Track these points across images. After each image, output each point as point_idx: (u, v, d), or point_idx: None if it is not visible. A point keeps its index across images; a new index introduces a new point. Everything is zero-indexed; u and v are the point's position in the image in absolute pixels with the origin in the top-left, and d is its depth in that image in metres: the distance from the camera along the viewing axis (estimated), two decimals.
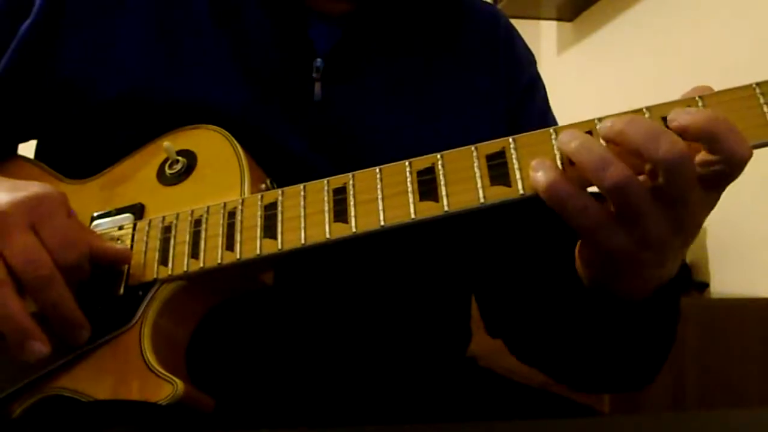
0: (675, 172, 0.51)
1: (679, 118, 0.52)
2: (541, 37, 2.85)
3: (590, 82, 2.53)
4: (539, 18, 2.73)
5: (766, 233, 1.70)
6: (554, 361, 0.77)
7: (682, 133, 0.52)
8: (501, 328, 0.82)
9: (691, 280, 1.85)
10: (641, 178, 0.53)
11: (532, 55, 0.90)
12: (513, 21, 0.92)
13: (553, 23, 2.77)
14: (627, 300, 0.62)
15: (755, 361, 1.60)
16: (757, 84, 0.53)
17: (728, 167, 0.52)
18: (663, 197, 0.53)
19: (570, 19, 2.67)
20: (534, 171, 0.54)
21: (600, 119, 0.56)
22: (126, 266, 0.65)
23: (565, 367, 0.76)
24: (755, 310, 1.65)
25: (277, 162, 0.70)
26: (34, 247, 0.58)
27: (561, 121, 0.83)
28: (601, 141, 0.54)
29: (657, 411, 1.52)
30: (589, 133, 0.56)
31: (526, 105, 0.85)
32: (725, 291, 1.82)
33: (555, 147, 0.56)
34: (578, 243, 0.62)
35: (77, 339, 0.61)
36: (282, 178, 0.67)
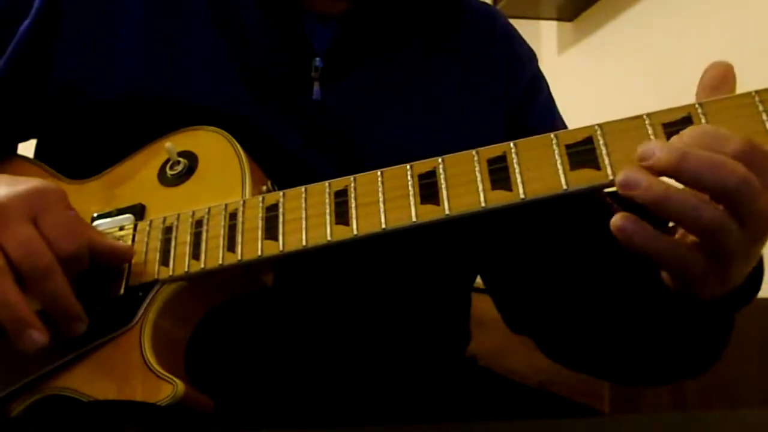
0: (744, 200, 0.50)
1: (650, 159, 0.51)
2: (541, 37, 2.85)
3: (590, 82, 2.53)
4: (539, 18, 2.72)
5: None
6: (596, 357, 0.76)
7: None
8: (528, 325, 0.82)
9: None
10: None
11: (533, 52, 0.90)
12: (513, 21, 0.92)
13: (553, 23, 2.77)
14: (705, 300, 0.60)
15: (755, 361, 1.60)
16: (757, 92, 0.53)
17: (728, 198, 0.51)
18: (739, 215, 0.51)
19: (570, 19, 2.67)
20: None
21: (600, 125, 0.56)
22: (126, 266, 0.65)
23: (609, 363, 0.75)
24: (755, 310, 1.64)
25: (277, 162, 0.70)
26: (33, 238, 0.58)
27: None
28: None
29: (657, 411, 1.52)
30: (589, 138, 0.56)
31: (530, 103, 0.85)
32: None
33: (556, 152, 0.56)
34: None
35: (75, 331, 0.61)
36: (281, 178, 0.67)
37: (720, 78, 0.56)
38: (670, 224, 0.55)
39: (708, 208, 0.51)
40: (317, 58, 0.75)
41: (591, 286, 0.75)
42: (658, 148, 0.51)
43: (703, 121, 0.54)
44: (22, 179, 0.62)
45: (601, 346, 0.75)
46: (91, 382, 0.62)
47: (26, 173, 0.75)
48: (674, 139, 0.52)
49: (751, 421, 0.47)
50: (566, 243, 0.77)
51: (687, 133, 0.52)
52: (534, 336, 0.82)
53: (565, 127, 0.81)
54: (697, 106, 0.55)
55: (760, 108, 0.53)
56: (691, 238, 0.54)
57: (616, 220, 0.52)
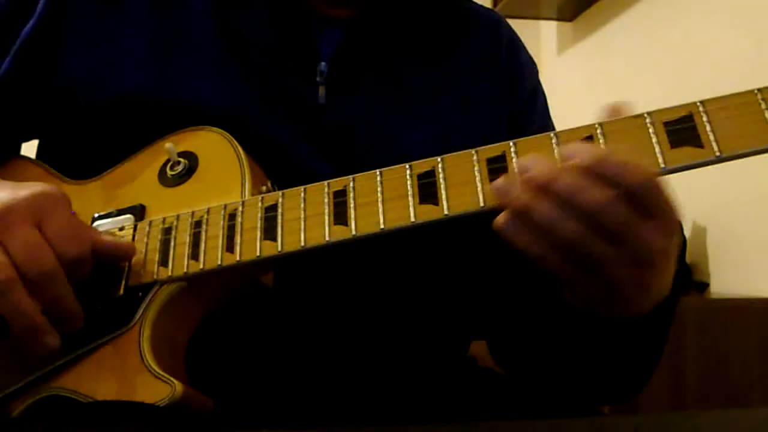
0: (596, 219, 0.53)
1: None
2: (541, 37, 2.85)
3: (590, 82, 2.53)
4: (539, 18, 2.73)
5: (766, 233, 1.70)
6: (536, 370, 0.78)
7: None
8: (481, 330, 0.83)
9: (691, 280, 1.85)
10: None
11: (534, 63, 0.91)
12: (513, 21, 0.92)
13: (553, 23, 2.77)
14: (619, 318, 0.62)
15: (755, 361, 1.60)
16: (759, 90, 0.53)
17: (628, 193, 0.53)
18: (611, 239, 0.54)
19: (570, 19, 2.67)
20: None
21: (601, 124, 0.56)
22: (126, 267, 0.65)
23: (545, 377, 0.77)
24: (755, 310, 1.65)
25: (280, 165, 0.70)
26: (38, 242, 0.58)
27: (561, 120, 0.83)
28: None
29: (657, 411, 1.52)
30: (589, 138, 0.56)
31: (529, 112, 0.85)
32: (725, 291, 1.82)
33: (555, 151, 0.56)
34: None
35: (71, 330, 0.61)
36: (285, 182, 0.67)
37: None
38: None
39: (572, 223, 0.53)
40: (322, 63, 0.75)
41: (514, 299, 0.77)
42: (536, 163, 0.54)
43: (704, 119, 0.54)
44: (23, 184, 0.62)
45: (536, 361, 0.77)
46: (90, 382, 0.62)
47: (28, 173, 0.75)
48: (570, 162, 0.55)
49: (751, 421, 0.47)
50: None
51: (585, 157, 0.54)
52: (486, 341, 0.83)
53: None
54: (698, 104, 0.55)
55: (763, 106, 0.53)
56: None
57: (499, 217, 0.55)
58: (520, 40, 0.90)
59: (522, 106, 0.84)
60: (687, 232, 1.78)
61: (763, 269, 1.72)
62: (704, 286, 1.85)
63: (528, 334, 0.76)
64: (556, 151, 0.56)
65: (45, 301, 0.59)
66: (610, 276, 0.56)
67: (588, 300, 0.61)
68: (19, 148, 0.83)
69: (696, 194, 1.44)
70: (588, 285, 0.57)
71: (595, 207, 0.52)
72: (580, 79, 2.57)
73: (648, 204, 0.53)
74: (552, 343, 0.73)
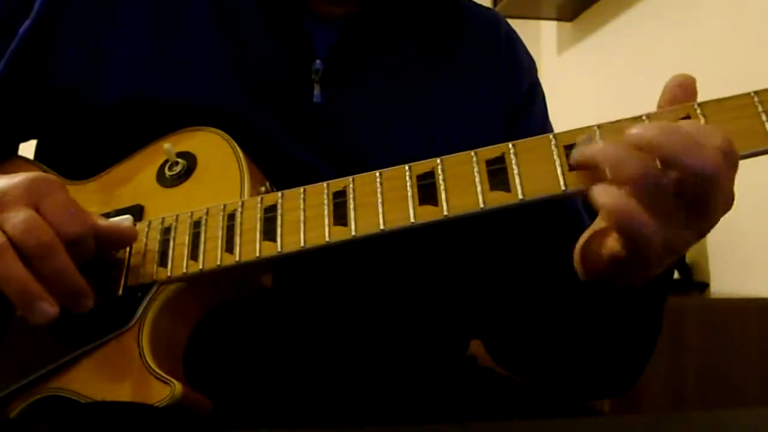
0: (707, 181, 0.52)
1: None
2: (541, 37, 2.85)
3: (590, 82, 2.53)
4: (539, 18, 2.73)
5: (766, 233, 1.70)
6: (536, 365, 0.78)
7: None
8: (479, 329, 0.83)
9: (691, 280, 1.85)
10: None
11: (533, 61, 0.91)
12: (513, 21, 0.92)
13: (553, 23, 2.77)
14: (622, 288, 0.63)
15: (755, 361, 1.60)
16: (756, 92, 0.54)
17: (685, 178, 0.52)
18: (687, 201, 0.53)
19: (570, 19, 2.67)
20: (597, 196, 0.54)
21: (599, 126, 0.56)
22: (125, 267, 0.65)
23: (545, 371, 0.77)
24: (755, 310, 1.65)
25: (277, 164, 0.70)
26: (34, 218, 0.58)
27: (560, 120, 0.83)
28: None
29: (657, 411, 1.52)
30: (588, 139, 0.56)
31: (528, 110, 0.85)
32: (725, 291, 1.82)
33: (555, 153, 0.56)
34: (583, 241, 0.63)
35: (83, 306, 0.60)
36: (281, 181, 0.67)
37: (681, 90, 0.57)
38: None
39: (657, 170, 0.52)
40: (317, 61, 0.75)
41: (528, 293, 0.77)
42: (645, 128, 0.53)
43: (702, 121, 0.54)
44: (20, 173, 0.62)
45: (542, 354, 0.77)
46: (89, 382, 0.61)
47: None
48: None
49: (751, 421, 0.47)
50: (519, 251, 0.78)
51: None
52: (482, 339, 0.83)
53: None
54: (695, 106, 0.55)
55: (760, 108, 0.53)
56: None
57: (595, 188, 0.54)
58: (520, 39, 0.90)
59: (520, 104, 0.84)
60: None
61: (763, 269, 1.72)
62: (704, 286, 1.85)
63: (528, 326, 0.76)
64: (555, 152, 0.56)
65: (46, 274, 0.57)
66: (684, 239, 0.56)
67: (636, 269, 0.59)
68: (16, 149, 0.83)
69: None
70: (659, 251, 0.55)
71: (711, 167, 0.51)
72: (580, 79, 2.57)
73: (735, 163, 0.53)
74: (554, 332, 0.73)
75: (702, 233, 0.57)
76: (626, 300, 0.65)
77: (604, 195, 0.53)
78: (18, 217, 0.57)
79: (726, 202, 0.55)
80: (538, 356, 0.77)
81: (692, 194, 0.53)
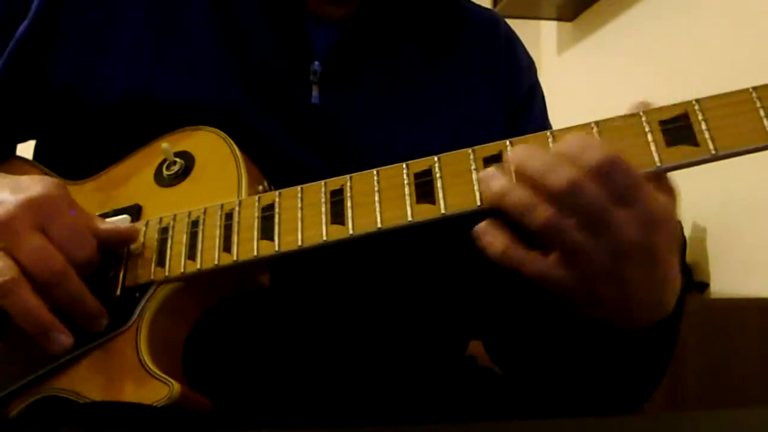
0: (568, 201, 0.53)
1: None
2: (541, 37, 2.85)
3: (590, 82, 2.53)
4: (539, 18, 2.73)
5: (766, 233, 1.70)
6: (532, 370, 0.78)
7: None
8: (478, 329, 0.83)
9: (691, 280, 1.85)
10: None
11: (532, 61, 0.91)
12: (513, 21, 0.92)
13: (553, 23, 2.77)
14: (615, 330, 0.62)
15: (755, 361, 1.60)
16: (754, 88, 0.54)
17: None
18: (584, 225, 0.53)
19: (570, 19, 2.67)
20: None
21: (597, 123, 0.56)
22: (123, 267, 0.65)
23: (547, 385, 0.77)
24: (755, 310, 1.65)
25: (276, 164, 0.70)
26: (44, 246, 0.59)
27: (560, 120, 0.83)
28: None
29: (657, 411, 1.52)
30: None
31: (527, 110, 0.85)
32: (725, 291, 1.82)
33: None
34: None
35: (99, 327, 0.62)
36: (279, 181, 0.67)
37: None
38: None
39: (545, 207, 0.53)
40: (316, 62, 0.75)
41: (513, 300, 0.77)
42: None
43: (700, 117, 0.54)
44: (24, 183, 0.62)
45: (539, 360, 0.76)
46: (87, 383, 0.61)
47: (24, 174, 0.75)
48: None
49: (751, 421, 0.46)
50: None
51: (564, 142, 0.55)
52: (482, 340, 0.83)
53: None
54: (694, 102, 0.55)
55: (758, 104, 0.53)
56: (553, 256, 0.55)
57: (479, 225, 0.56)
58: (519, 39, 0.90)
59: (519, 104, 0.84)
60: (687, 232, 1.78)
61: (763, 269, 1.72)
62: (704, 286, 1.85)
63: (527, 337, 0.76)
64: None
65: (61, 302, 0.59)
66: (589, 270, 0.55)
67: (580, 306, 0.60)
68: (14, 149, 0.83)
69: (696, 194, 1.44)
70: (572, 285, 0.56)
71: (564, 187, 0.52)
72: (580, 79, 2.57)
73: (618, 188, 0.53)
74: (551, 350, 0.73)
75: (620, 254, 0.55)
76: (613, 342, 0.63)
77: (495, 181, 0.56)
78: (30, 246, 0.58)
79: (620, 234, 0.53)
80: (536, 362, 0.77)
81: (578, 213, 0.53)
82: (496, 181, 0.55)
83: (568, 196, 0.52)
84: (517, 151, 0.56)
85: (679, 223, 0.59)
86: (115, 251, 0.66)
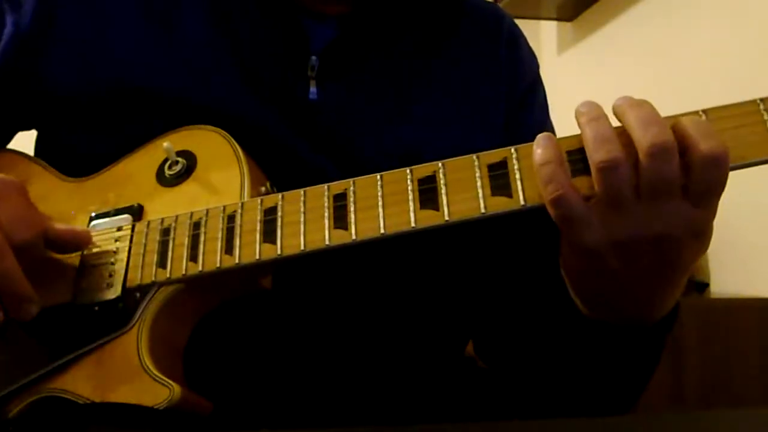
0: (655, 160, 0.51)
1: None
2: (541, 37, 2.84)
3: (590, 82, 2.53)
4: (539, 18, 2.72)
5: (766, 233, 1.70)
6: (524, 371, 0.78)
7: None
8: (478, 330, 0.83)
9: (691, 280, 1.85)
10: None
11: (536, 57, 0.90)
12: None
13: (553, 23, 2.77)
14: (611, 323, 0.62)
15: (755, 361, 1.60)
16: (761, 100, 0.53)
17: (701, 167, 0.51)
18: (644, 192, 0.52)
19: (570, 19, 2.67)
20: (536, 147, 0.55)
21: (705, 111, 0.56)
22: (124, 268, 0.65)
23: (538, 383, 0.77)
24: (755, 310, 1.65)
25: (274, 160, 0.70)
26: None
27: (560, 120, 0.83)
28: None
29: (657, 411, 1.52)
30: None
31: (528, 104, 0.85)
32: (725, 291, 1.82)
33: None
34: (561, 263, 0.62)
35: (27, 313, 0.61)
36: (279, 176, 0.67)
37: None
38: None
39: (620, 146, 0.52)
40: (313, 57, 0.75)
41: (513, 304, 0.77)
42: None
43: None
44: None
45: (532, 362, 0.76)
46: (87, 384, 0.61)
47: (25, 170, 0.75)
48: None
49: (751, 421, 0.47)
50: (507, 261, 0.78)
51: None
52: (473, 340, 0.83)
53: (554, 130, 0.81)
54: (701, 112, 0.54)
55: (765, 116, 0.53)
56: (595, 200, 0.54)
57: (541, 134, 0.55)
58: (523, 36, 0.89)
59: (520, 100, 0.83)
60: None
61: (763, 269, 1.72)
62: (704, 286, 1.85)
63: (525, 338, 0.76)
64: None
65: None
66: (618, 230, 0.54)
67: (604, 299, 0.60)
68: (7, 141, 0.82)
69: None
70: (594, 240, 0.55)
71: (658, 143, 0.51)
72: (580, 79, 2.57)
73: (710, 184, 0.52)
74: (550, 349, 0.73)
75: (664, 253, 0.55)
76: (613, 336, 0.64)
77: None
78: None
79: (691, 220, 0.53)
80: (530, 362, 0.77)
81: (648, 179, 0.52)
82: (596, 107, 0.54)
83: (656, 153, 0.51)
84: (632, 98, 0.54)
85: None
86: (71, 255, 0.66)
